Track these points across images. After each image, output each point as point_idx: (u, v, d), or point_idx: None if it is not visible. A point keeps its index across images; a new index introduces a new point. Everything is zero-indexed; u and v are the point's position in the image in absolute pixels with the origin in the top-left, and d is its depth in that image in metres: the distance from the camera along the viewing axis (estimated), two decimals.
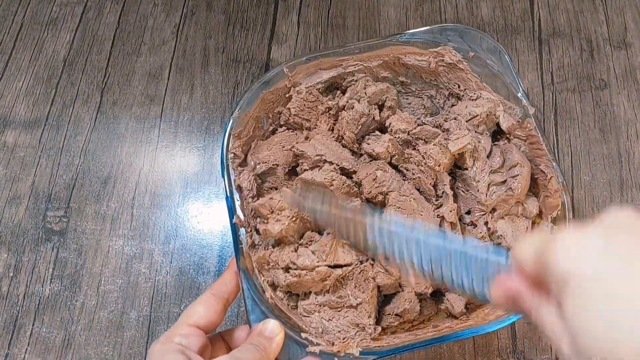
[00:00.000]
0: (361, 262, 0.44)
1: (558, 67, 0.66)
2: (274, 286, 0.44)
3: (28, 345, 0.53)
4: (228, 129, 0.46)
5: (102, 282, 0.55)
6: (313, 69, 0.51)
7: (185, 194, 0.60)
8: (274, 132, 0.52)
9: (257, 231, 0.46)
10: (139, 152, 0.62)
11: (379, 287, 0.45)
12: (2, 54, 0.69)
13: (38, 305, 0.55)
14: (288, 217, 0.44)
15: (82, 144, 0.63)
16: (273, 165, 0.49)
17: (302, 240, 0.46)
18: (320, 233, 0.46)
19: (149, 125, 0.64)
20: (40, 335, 0.53)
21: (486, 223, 0.48)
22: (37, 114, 0.65)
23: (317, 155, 0.47)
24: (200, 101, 0.65)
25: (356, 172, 0.48)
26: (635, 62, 0.66)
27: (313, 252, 0.43)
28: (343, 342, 0.41)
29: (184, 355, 0.37)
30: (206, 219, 0.59)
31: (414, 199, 0.46)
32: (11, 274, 0.56)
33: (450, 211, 0.46)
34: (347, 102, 0.50)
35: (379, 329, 0.44)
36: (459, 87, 0.52)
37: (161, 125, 0.64)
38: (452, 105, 0.53)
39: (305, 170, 0.48)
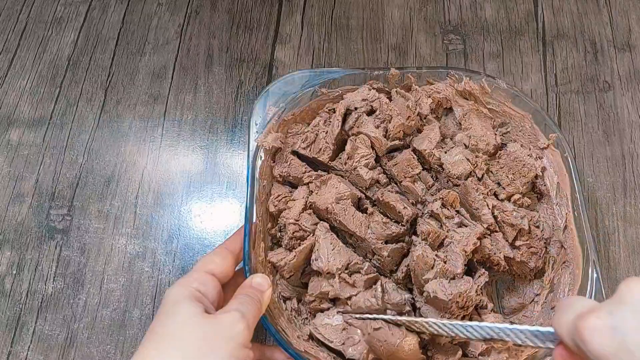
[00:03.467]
0: None
1: (562, 68, 0.66)
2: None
3: (30, 343, 0.53)
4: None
5: (105, 281, 0.55)
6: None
7: (188, 193, 0.60)
8: None
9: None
10: (142, 151, 0.62)
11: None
12: (7, 52, 0.69)
13: (41, 303, 0.55)
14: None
15: (85, 142, 0.63)
16: None
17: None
18: None
19: (152, 124, 0.64)
20: (43, 333, 0.53)
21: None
22: (41, 112, 0.65)
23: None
24: (204, 100, 0.65)
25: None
26: None
27: None
28: None
29: (201, 304, 0.36)
30: (209, 218, 0.59)
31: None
32: (14, 272, 0.56)
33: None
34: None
35: None
36: None
37: (165, 124, 0.64)
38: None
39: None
